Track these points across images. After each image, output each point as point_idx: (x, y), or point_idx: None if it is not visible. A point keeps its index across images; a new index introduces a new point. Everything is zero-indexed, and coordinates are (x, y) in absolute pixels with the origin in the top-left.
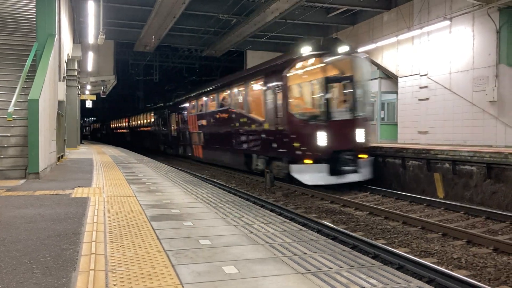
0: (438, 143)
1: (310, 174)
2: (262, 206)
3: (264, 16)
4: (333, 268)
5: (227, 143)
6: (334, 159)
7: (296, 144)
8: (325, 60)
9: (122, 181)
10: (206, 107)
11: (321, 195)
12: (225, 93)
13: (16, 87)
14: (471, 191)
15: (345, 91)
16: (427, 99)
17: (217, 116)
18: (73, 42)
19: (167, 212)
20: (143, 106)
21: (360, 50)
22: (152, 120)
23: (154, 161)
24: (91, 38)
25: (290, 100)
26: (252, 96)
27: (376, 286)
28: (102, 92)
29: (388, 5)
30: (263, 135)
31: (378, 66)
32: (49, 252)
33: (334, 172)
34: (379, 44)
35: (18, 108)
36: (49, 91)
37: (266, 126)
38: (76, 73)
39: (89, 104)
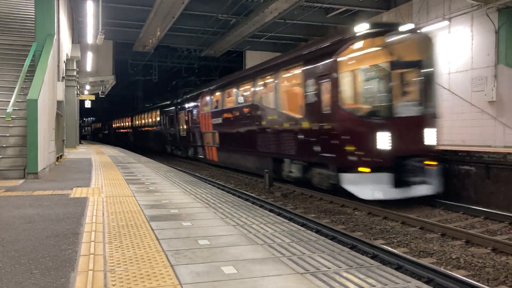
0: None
1: (368, 186)
2: (261, 206)
3: (263, 16)
4: (332, 268)
5: (250, 144)
6: (398, 167)
7: (349, 148)
8: (388, 40)
9: (121, 181)
10: (223, 103)
11: (320, 195)
12: (247, 86)
13: (15, 87)
14: None
15: (412, 80)
16: None
17: (237, 113)
18: (72, 42)
19: (166, 212)
20: (145, 105)
21: None
22: (158, 119)
23: (153, 161)
24: (90, 38)
25: (342, 92)
26: (286, 88)
27: (374, 286)
28: (101, 92)
29: (387, 5)
30: (301, 136)
31: None
32: (48, 252)
33: (398, 183)
34: None
35: (17, 108)
36: (48, 91)
37: (305, 124)
38: (75, 73)
39: (88, 104)
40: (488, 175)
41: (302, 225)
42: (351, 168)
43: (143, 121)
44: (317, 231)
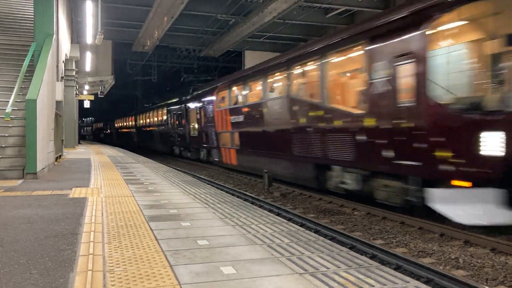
0: None
1: (468, 206)
2: (260, 206)
3: (262, 16)
4: (331, 269)
5: (282, 147)
6: None
7: (442, 153)
8: (499, 5)
9: (120, 181)
10: (246, 98)
11: (319, 195)
12: (278, 77)
13: (14, 87)
14: None
15: None
16: None
17: (265, 109)
18: (71, 42)
19: (165, 213)
20: (149, 103)
21: None
22: (165, 118)
23: (152, 161)
24: (89, 38)
25: (433, 77)
26: (338, 75)
27: (373, 286)
28: (100, 92)
29: (386, 5)
30: (361, 137)
31: None
32: (47, 252)
33: None
34: None
35: (16, 108)
36: (47, 91)
37: (368, 121)
38: (74, 73)
39: (87, 104)
40: None
41: (301, 225)
42: (443, 181)
43: (148, 121)
44: (316, 231)
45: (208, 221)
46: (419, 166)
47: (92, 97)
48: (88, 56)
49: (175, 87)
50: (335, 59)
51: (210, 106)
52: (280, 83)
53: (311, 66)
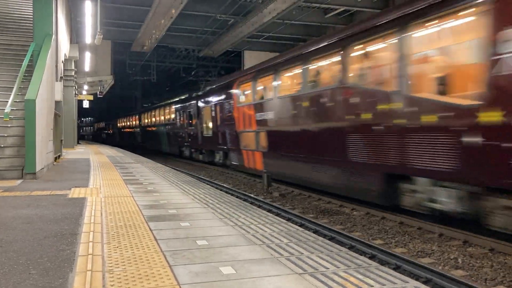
0: None
1: None
2: (259, 206)
3: (261, 16)
4: (330, 269)
5: (333, 149)
6: None
7: None
8: None
9: (119, 181)
10: (278, 91)
11: (318, 195)
12: (326, 61)
13: (13, 87)
14: None
15: None
16: None
17: (305, 102)
18: (71, 42)
19: (164, 213)
20: (146, 104)
21: None
22: (172, 116)
23: (152, 161)
24: (88, 38)
25: None
26: (429, 52)
27: (373, 286)
28: (99, 92)
29: (385, 5)
30: (472, 138)
31: None
32: (46, 252)
33: None
34: None
35: (15, 108)
36: (46, 91)
37: (488, 116)
38: (73, 73)
39: (86, 104)
40: None
41: (301, 225)
42: None
43: (153, 120)
44: (315, 232)
45: (207, 221)
46: None
47: (91, 97)
48: (87, 56)
49: (174, 87)
50: (426, 30)
51: (228, 102)
52: (330, 70)
53: (381, 44)
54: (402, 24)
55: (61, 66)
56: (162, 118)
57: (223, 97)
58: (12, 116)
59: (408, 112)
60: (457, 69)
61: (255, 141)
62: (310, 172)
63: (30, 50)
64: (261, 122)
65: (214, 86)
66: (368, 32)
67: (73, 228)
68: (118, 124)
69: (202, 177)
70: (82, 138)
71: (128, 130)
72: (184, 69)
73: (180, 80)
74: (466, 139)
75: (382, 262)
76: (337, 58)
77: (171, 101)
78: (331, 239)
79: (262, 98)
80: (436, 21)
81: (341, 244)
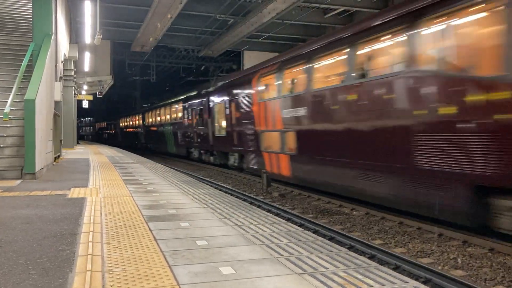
0: None
1: None
2: (259, 206)
3: (261, 16)
4: (330, 269)
5: (393, 154)
6: None
7: None
8: None
9: (118, 181)
10: (311, 83)
11: (317, 195)
12: (386, 42)
13: (12, 87)
14: None
15: None
16: None
17: (351, 95)
18: (70, 42)
19: (164, 213)
20: (145, 104)
21: None
22: (180, 115)
23: (151, 161)
24: (88, 38)
25: None
26: None
27: (372, 286)
28: (99, 92)
29: (385, 5)
30: None
31: None
32: (45, 252)
33: None
34: None
35: (14, 108)
36: (46, 91)
37: None
38: (72, 73)
39: (85, 104)
40: None
41: (300, 225)
42: None
43: (158, 119)
44: (315, 232)
45: (207, 221)
46: None
47: (90, 97)
48: (87, 56)
49: (174, 87)
50: None
51: (247, 98)
52: (390, 53)
53: (475, 15)
54: None
55: (60, 66)
56: (168, 117)
57: (239, 92)
58: (11, 116)
59: None
60: None
61: (280, 142)
62: (356, 181)
63: (30, 50)
64: (289, 120)
65: (228, 81)
66: (447, 2)
67: (73, 228)
68: (121, 124)
69: (202, 177)
70: (81, 138)
71: (131, 130)
72: (184, 69)
73: (179, 80)
74: None
75: (382, 262)
76: (403, 38)
77: (178, 98)
78: (331, 239)
79: (291, 92)
80: None
81: (341, 244)
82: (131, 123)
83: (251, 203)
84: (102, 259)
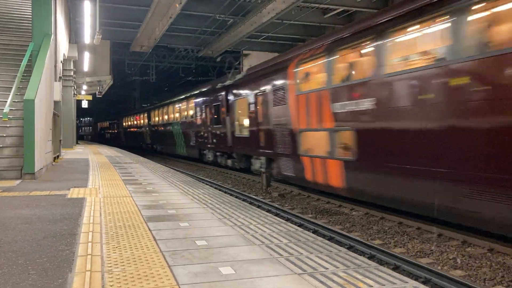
0: None
1: None
2: (258, 206)
3: (260, 16)
4: (330, 269)
5: None
6: None
7: None
8: None
9: (118, 181)
10: (382, 65)
11: (317, 195)
12: None
13: (11, 87)
14: None
15: None
16: None
17: (455, 79)
18: (69, 42)
19: (163, 213)
20: (145, 104)
21: None
22: (191, 113)
23: (151, 162)
24: (87, 38)
25: None
26: None
27: (372, 286)
28: (98, 92)
29: (384, 5)
30: None
31: None
32: (45, 253)
33: None
34: None
35: (13, 108)
36: (45, 91)
37: None
38: (72, 73)
39: (85, 104)
40: None
41: (300, 225)
42: None
43: (166, 117)
44: (315, 232)
45: (206, 222)
46: None
47: (90, 97)
48: (86, 56)
49: (173, 87)
50: None
51: (279, 91)
52: None
53: None
54: None
55: (60, 66)
56: (177, 115)
57: (269, 84)
58: (11, 116)
59: None
60: None
61: (329, 144)
62: (466, 201)
63: (29, 50)
64: (345, 116)
65: (253, 72)
66: None
67: (72, 228)
68: (124, 123)
69: (201, 177)
70: (81, 138)
71: (136, 130)
72: (183, 69)
73: (179, 80)
74: None
75: (381, 262)
76: None
77: (189, 94)
78: (330, 239)
79: (347, 79)
80: None
81: (340, 244)
82: (135, 122)
83: (250, 203)
84: (101, 259)
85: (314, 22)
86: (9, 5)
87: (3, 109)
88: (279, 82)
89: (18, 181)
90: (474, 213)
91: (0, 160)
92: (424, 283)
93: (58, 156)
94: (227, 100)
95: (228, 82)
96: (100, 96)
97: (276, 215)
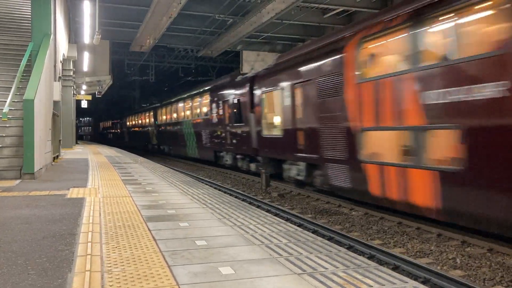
0: None
1: None
2: (258, 206)
3: (260, 16)
4: (329, 269)
5: None
6: None
7: None
8: None
9: (118, 181)
10: None
11: (316, 195)
12: None
13: (11, 87)
14: None
15: None
16: None
17: None
18: (69, 42)
19: (163, 213)
20: (144, 104)
21: None
22: (205, 110)
23: (150, 162)
24: (86, 38)
25: None
26: None
27: (372, 286)
28: (98, 92)
29: (384, 5)
30: None
31: None
32: (44, 253)
33: None
34: None
35: (13, 108)
36: (45, 91)
37: None
38: (71, 73)
39: (84, 104)
40: None
41: (299, 225)
42: None
43: (174, 115)
44: (314, 232)
45: (206, 222)
46: None
47: (89, 97)
48: (86, 56)
49: (173, 87)
50: None
51: (330, 80)
52: None
53: None
54: None
55: (59, 66)
56: (188, 113)
57: (314, 71)
58: (10, 116)
59: None
60: None
61: (415, 147)
62: None
63: (29, 50)
64: (446, 109)
65: (291, 57)
66: None
67: (72, 228)
68: (128, 123)
69: (201, 177)
70: (80, 138)
71: (141, 129)
72: (183, 69)
73: (178, 80)
74: None
75: (381, 262)
76: None
77: (203, 89)
78: (330, 239)
79: (450, 56)
80: None
81: (340, 244)
82: (140, 121)
83: (250, 203)
84: (101, 259)
85: (313, 22)
86: (9, 5)
87: (2, 109)
88: (329, 68)
89: (17, 181)
90: None
91: (0, 160)
92: (423, 283)
93: (57, 156)
94: (252, 94)
95: (251, 74)
96: (100, 96)
97: (276, 215)
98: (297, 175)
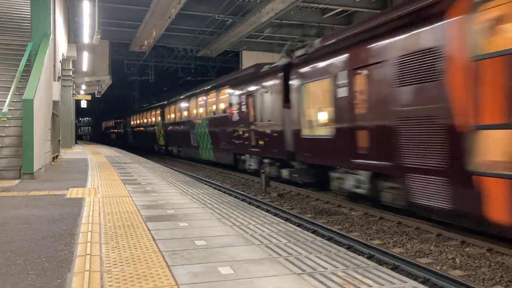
0: None
1: None
2: (257, 206)
3: (259, 16)
4: (329, 269)
5: None
6: None
7: None
8: None
9: (117, 181)
10: None
11: (316, 195)
12: None
13: (10, 87)
14: None
15: None
16: None
17: None
18: (68, 42)
19: (162, 213)
20: (144, 104)
21: None
22: (222, 106)
23: (150, 162)
24: (86, 38)
25: None
26: None
27: (371, 286)
28: (97, 92)
29: (383, 5)
30: None
31: None
32: (44, 253)
33: None
34: None
35: (12, 108)
36: (44, 91)
37: None
38: (71, 73)
39: (84, 104)
40: None
41: (299, 225)
42: None
43: (185, 114)
44: (314, 232)
45: (205, 222)
46: None
47: (89, 97)
48: (85, 56)
49: (172, 87)
50: None
51: (417, 60)
52: None
53: None
54: None
55: (59, 66)
56: (201, 110)
57: (386, 50)
58: (10, 116)
59: None
60: None
61: None
62: None
63: (28, 50)
64: None
65: (348, 35)
66: None
67: (71, 228)
68: (132, 122)
69: (201, 177)
70: (79, 138)
71: (146, 129)
72: (182, 69)
73: (178, 80)
74: None
75: (381, 262)
76: None
77: (221, 82)
78: (330, 239)
79: None
80: None
81: (340, 244)
82: (145, 120)
83: (249, 203)
84: (100, 259)
85: (313, 22)
86: (10, 5)
87: (2, 109)
88: (418, 43)
89: (17, 181)
90: None
91: None
92: (423, 283)
93: (57, 156)
94: (287, 86)
95: (285, 61)
96: (99, 96)
97: (275, 215)
98: (354, 187)
